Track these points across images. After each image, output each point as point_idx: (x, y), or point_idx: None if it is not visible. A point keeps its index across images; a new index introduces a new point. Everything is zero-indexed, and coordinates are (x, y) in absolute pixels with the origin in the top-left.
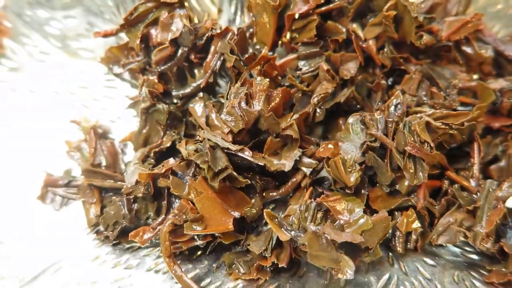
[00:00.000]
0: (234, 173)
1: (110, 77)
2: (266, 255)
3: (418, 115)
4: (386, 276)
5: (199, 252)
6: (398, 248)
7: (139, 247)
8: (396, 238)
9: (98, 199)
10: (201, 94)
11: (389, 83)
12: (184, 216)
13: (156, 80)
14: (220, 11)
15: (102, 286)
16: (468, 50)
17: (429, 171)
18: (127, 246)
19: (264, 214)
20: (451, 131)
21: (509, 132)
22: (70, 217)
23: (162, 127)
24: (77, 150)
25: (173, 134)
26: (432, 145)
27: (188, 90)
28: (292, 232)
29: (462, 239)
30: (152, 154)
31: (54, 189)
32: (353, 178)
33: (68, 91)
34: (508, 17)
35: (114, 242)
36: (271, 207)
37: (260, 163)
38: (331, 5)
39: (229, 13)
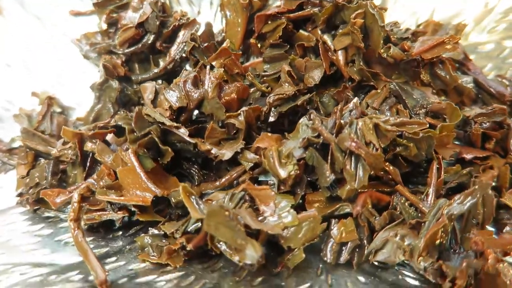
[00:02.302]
0: (156, 139)
1: (84, 63)
2: (176, 235)
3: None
4: (307, 284)
5: (118, 233)
6: (329, 258)
7: (60, 219)
8: (329, 247)
9: (30, 162)
10: (160, 81)
11: (359, 101)
12: (101, 183)
13: (119, 62)
14: (198, 13)
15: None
16: (443, 74)
17: (382, 187)
18: (47, 215)
19: (180, 188)
20: (404, 142)
21: (482, 164)
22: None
23: (113, 105)
24: (26, 116)
25: (123, 114)
26: (377, 146)
27: (147, 75)
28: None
29: (402, 258)
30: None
31: None
32: (285, 171)
33: (41, 70)
34: (500, 59)
35: (35, 208)
36: None
37: (192, 141)
38: (301, 12)
39: (209, 16)
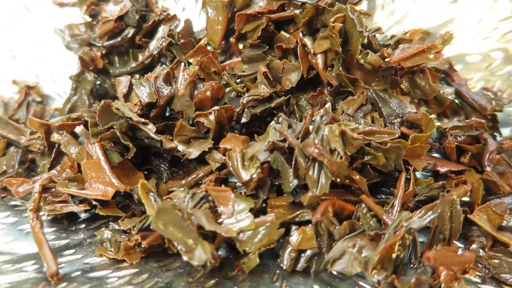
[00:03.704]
0: (118, 134)
1: (68, 55)
2: (133, 232)
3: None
4: None
5: (81, 226)
6: (285, 264)
7: (27, 208)
8: (286, 253)
9: (1, 149)
10: (137, 75)
11: (336, 107)
12: (63, 175)
13: (99, 55)
14: (183, 10)
15: None
16: (422, 83)
17: (349, 196)
18: (14, 203)
19: (139, 184)
20: (372, 151)
21: (456, 179)
22: None
23: (89, 98)
24: (3, 104)
25: (90, 108)
26: (341, 154)
27: (125, 69)
28: None
29: (359, 269)
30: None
31: None
32: (247, 174)
33: (26, 59)
34: (488, 71)
35: (2, 195)
36: None
37: (157, 138)
38: (282, 13)
39: (193, 13)
